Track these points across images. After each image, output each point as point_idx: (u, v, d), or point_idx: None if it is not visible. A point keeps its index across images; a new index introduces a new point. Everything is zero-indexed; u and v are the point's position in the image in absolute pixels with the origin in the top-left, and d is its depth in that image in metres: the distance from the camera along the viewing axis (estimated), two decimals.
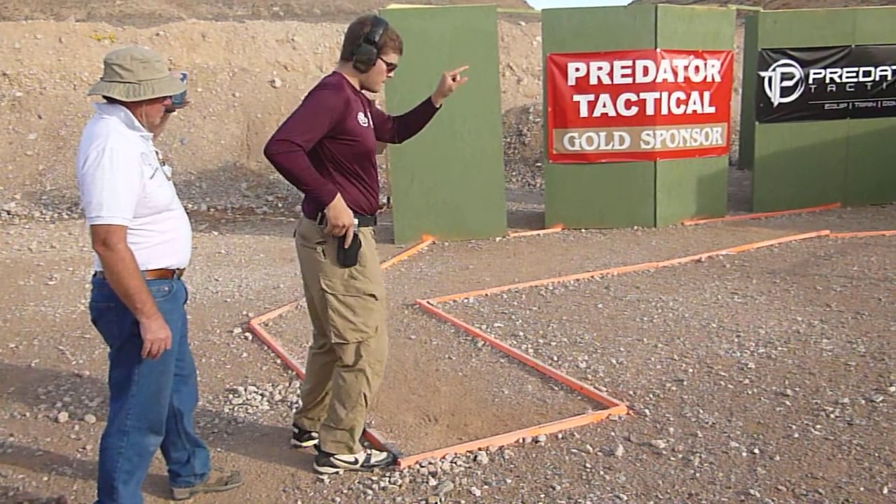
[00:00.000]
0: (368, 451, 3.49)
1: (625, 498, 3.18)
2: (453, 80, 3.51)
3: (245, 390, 4.38)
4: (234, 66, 14.18)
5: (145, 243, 2.71)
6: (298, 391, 4.23)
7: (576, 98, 8.42)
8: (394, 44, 3.22)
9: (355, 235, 3.17)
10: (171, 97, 2.93)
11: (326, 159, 3.15)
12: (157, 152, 2.85)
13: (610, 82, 8.36)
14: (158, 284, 2.74)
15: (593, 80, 8.37)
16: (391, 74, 3.31)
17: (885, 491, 3.16)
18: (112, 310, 2.68)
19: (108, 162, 2.56)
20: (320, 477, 3.39)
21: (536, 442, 3.68)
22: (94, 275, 2.76)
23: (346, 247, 3.15)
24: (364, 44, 3.15)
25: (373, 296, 3.26)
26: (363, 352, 3.27)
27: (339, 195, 3.08)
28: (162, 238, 2.77)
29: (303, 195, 3.29)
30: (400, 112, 3.76)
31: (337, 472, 3.41)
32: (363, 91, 3.31)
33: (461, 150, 8.16)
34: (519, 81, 16.73)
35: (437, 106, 3.59)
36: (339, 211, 3.07)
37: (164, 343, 2.68)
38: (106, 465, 2.83)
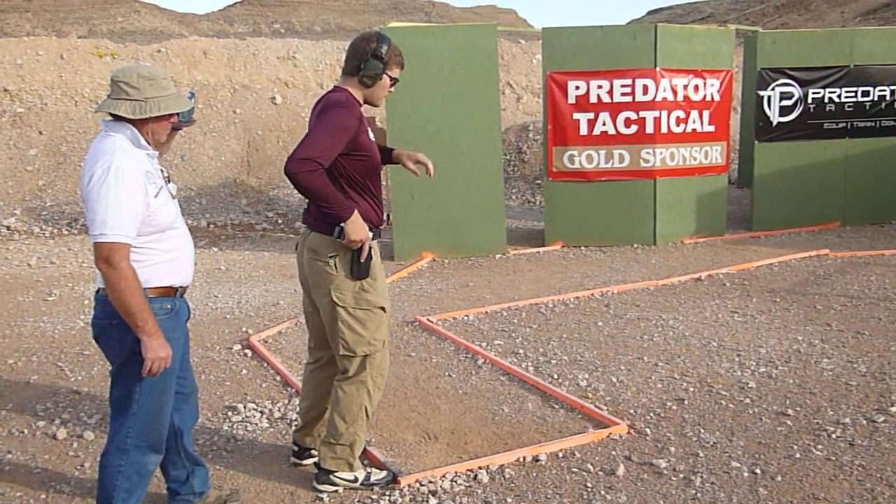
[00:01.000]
0: (368, 470, 3.48)
1: None
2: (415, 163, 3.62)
3: (244, 407, 4.37)
4: (235, 82, 14.24)
5: (148, 261, 2.71)
6: (298, 408, 4.22)
7: (576, 116, 8.45)
8: (398, 59, 3.31)
9: (369, 248, 3.20)
10: (177, 115, 2.94)
11: (340, 175, 3.18)
12: (162, 170, 2.86)
13: (610, 101, 8.40)
14: (161, 302, 2.74)
15: (593, 99, 8.40)
16: (392, 89, 3.36)
17: None
18: (114, 327, 2.68)
19: (114, 180, 2.56)
20: (320, 495, 3.37)
21: (537, 461, 3.66)
22: (97, 291, 2.76)
23: (362, 260, 3.18)
24: (371, 59, 3.21)
25: (382, 308, 3.30)
26: (368, 364, 3.29)
27: (356, 211, 3.13)
28: (165, 256, 2.77)
29: (303, 210, 3.34)
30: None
31: (336, 491, 3.39)
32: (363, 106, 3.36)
33: (461, 167, 8.18)
34: (519, 99, 16.80)
35: (391, 160, 3.67)
36: (358, 226, 3.13)
37: (164, 362, 2.67)
38: (105, 483, 2.82)
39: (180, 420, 3.08)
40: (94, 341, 2.83)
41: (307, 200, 3.31)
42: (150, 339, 2.63)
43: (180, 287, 2.86)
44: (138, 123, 2.73)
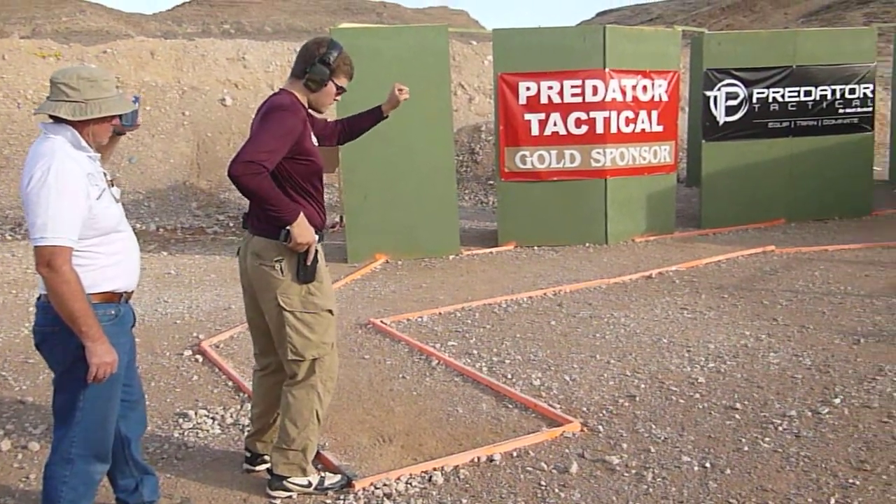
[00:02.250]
0: (322, 474, 3.45)
1: None
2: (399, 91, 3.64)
3: (195, 414, 4.31)
4: (183, 84, 14.03)
5: (92, 265, 2.65)
6: (250, 414, 4.17)
7: (527, 117, 8.50)
8: (347, 68, 3.29)
9: (315, 251, 3.18)
10: (121, 119, 2.90)
11: (283, 179, 3.16)
12: (105, 173, 2.80)
13: (560, 101, 8.47)
14: (105, 308, 2.69)
15: (544, 100, 8.47)
16: (338, 98, 3.35)
17: (832, 502, 3.23)
18: (56, 334, 2.62)
19: (54, 182, 2.51)
20: (273, 501, 3.34)
21: (491, 461, 3.68)
22: (39, 298, 2.70)
23: (308, 263, 3.16)
24: (318, 64, 3.20)
25: (329, 311, 3.27)
26: (317, 368, 3.26)
27: (302, 214, 3.11)
28: (109, 260, 2.71)
29: (243, 214, 3.35)
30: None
31: (290, 496, 3.36)
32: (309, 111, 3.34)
33: (414, 168, 8.17)
34: (471, 100, 16.86)
35: (385, 116, 3.72)
36: (304, 229, 3.11)
37: (110, 367, 2.62)
38: (50, 494, 2.75)
39: (127, 428, 3.02)
40: (36, 349, 2.77)
41: (248, 204, 3.28)
42: (95, 345, 2.57)
43: (125, 292, 2.80)
44: (79, 125, 2.67)
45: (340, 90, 3.32)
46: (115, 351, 2.63)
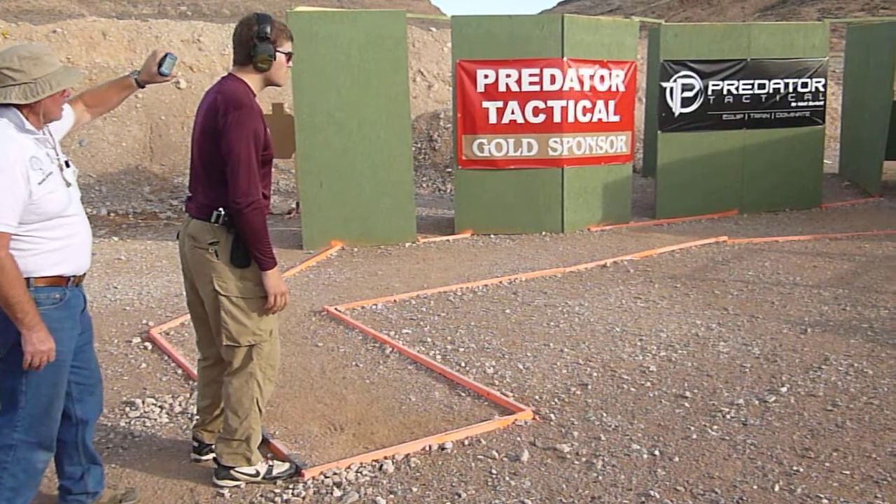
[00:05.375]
0: (270, 462, 3.42)
1: (529, 503, 3.21)
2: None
3: (143, 402, 4.23)
4: (136, 66, 13.72)
5: (34, 250, 2.59)
6: (196, 405, 4.10)
7: (485, 104, 8.48)
8: (284, 33, 3.19)
9: None
10: (159, 68, 2.98)
11: None
12: (57, 155, 2.72)
13: (518, 90, 8.47)
14: (48, 292, 2.63)
15: (502, 87, 8.46)
16: (290, 63, 3.27)
17: (777, 489, 3.29)
18: None
19: None
20: (220, 491, 3.30)
21: (443, 449, 3.67)
22: None
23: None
24: (259, 42, 3.10)
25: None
26: (255, 355, 3.21)
27: (277, 266, 3.14)
28: (54, 245, 2.64)
29: (186, 198, 3.30)
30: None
31: (238, 486, 3.32)
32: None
33: (371, 155, 8.11)
34: (430, 87, 16.78)
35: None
36: (279, 278, 3.15)
37: (45, 355, 2.55)
38: None
39: (84, 412, 2.97)
40: None
41: (191, 187, 3.22)
42: (30, 333, 2.51)
43: (73, 276, 2.73)
44: (28, 106, 2.60)
45: (290, 55, 3.23)
46: (51, 339, 2.57)
